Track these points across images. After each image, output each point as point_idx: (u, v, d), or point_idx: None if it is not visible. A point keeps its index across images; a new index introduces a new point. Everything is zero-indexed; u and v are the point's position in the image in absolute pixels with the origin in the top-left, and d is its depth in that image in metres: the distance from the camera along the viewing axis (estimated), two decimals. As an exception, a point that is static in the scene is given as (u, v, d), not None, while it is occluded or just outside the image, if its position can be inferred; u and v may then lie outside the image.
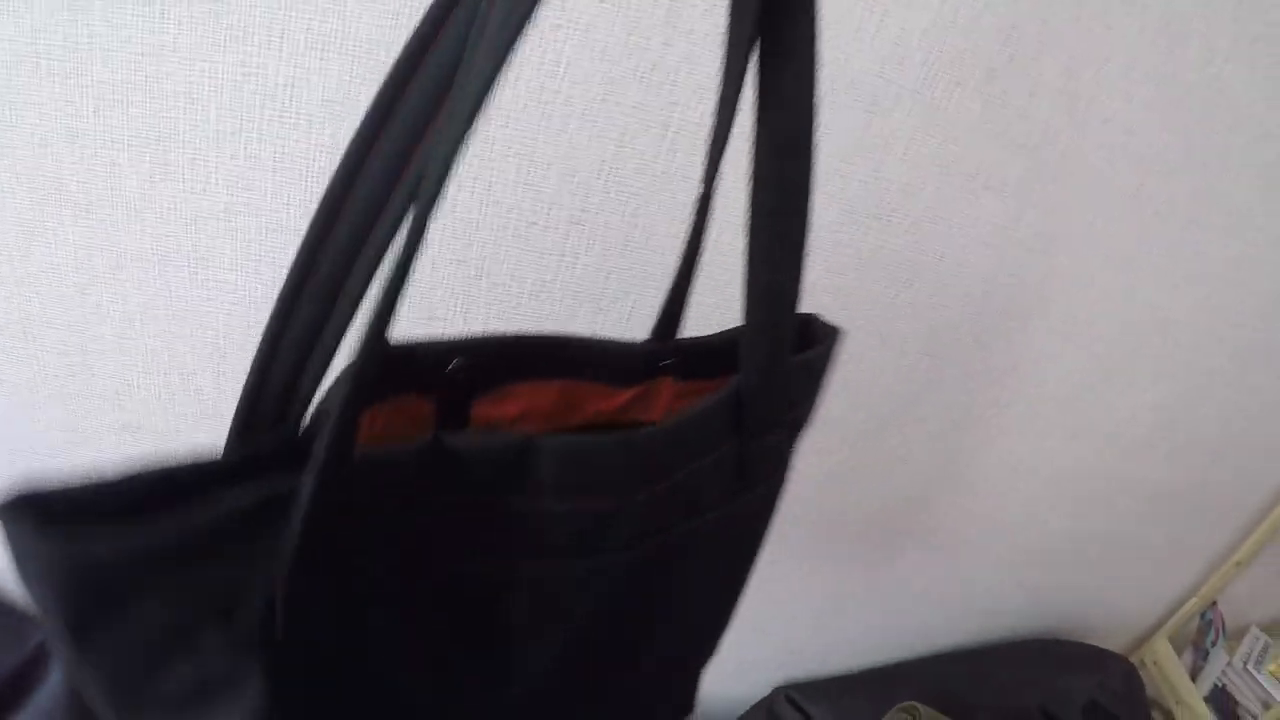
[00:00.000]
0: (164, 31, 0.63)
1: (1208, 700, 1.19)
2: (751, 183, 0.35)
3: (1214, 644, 1.22)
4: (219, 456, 0.29)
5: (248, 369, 0.30)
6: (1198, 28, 0.71)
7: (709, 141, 0.40)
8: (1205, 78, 0.73)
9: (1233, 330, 0.92)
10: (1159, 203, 0.80)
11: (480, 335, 0.42)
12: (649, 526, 0.39)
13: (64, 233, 0.72)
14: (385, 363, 0.34)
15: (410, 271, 0.26)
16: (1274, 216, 0.84)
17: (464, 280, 0.73)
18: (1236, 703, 1.20)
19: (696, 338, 0.45)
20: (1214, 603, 1.22)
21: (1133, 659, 1.24)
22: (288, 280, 0.28)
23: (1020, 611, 1.19)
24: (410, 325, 0.77)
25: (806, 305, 0.40)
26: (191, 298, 0.76)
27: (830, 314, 0.44)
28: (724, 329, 0.45)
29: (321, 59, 0.65)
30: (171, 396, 0.82)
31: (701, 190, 0.42)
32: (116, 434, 0.85)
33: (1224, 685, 1.22)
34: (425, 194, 0.26)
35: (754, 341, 0.39)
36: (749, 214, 0.36)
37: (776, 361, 0.39)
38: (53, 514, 0.28)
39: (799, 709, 1.01)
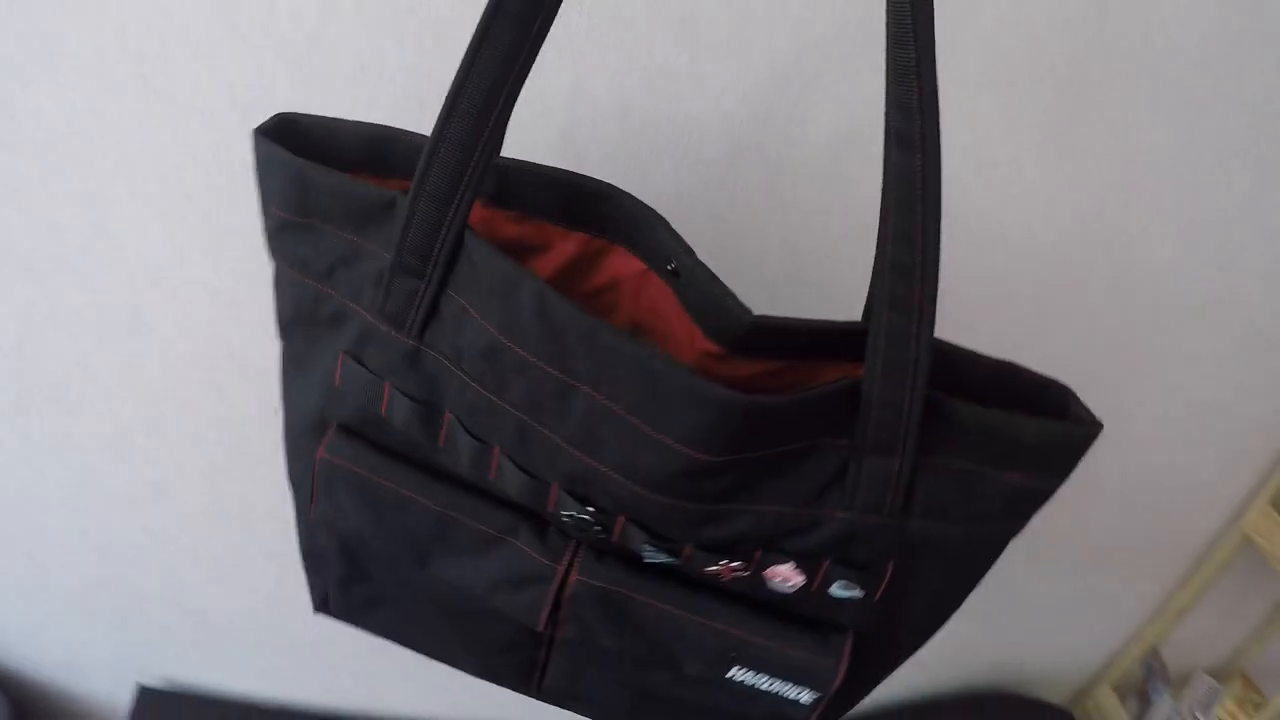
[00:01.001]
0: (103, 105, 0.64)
1: (1153, 747, 1.19)
2: (883, 178, 0.38)
3: (1157, 691, 1.23)
4: None
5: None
6: None
7: None
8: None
9: (1156, 390, 0.94)
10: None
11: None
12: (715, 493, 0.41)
13: (8, 291, 0.73)
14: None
15: None
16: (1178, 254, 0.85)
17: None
18: (1183, 749, 1.20)
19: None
20: (1155, 650, 1.22)
21: (1076, 710, 1.24)
22: None
23: (959, 665, 1.19)
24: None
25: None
26: (125, 352, 0.77)
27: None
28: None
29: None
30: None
31: None
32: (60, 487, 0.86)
33: (1170, 732, 1.22)
34: None
35: (877, 344, 0.39)
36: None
37: (899, 372, 0.39)
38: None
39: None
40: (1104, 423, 0.94)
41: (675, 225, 0.44)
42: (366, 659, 1.01)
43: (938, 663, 1.18)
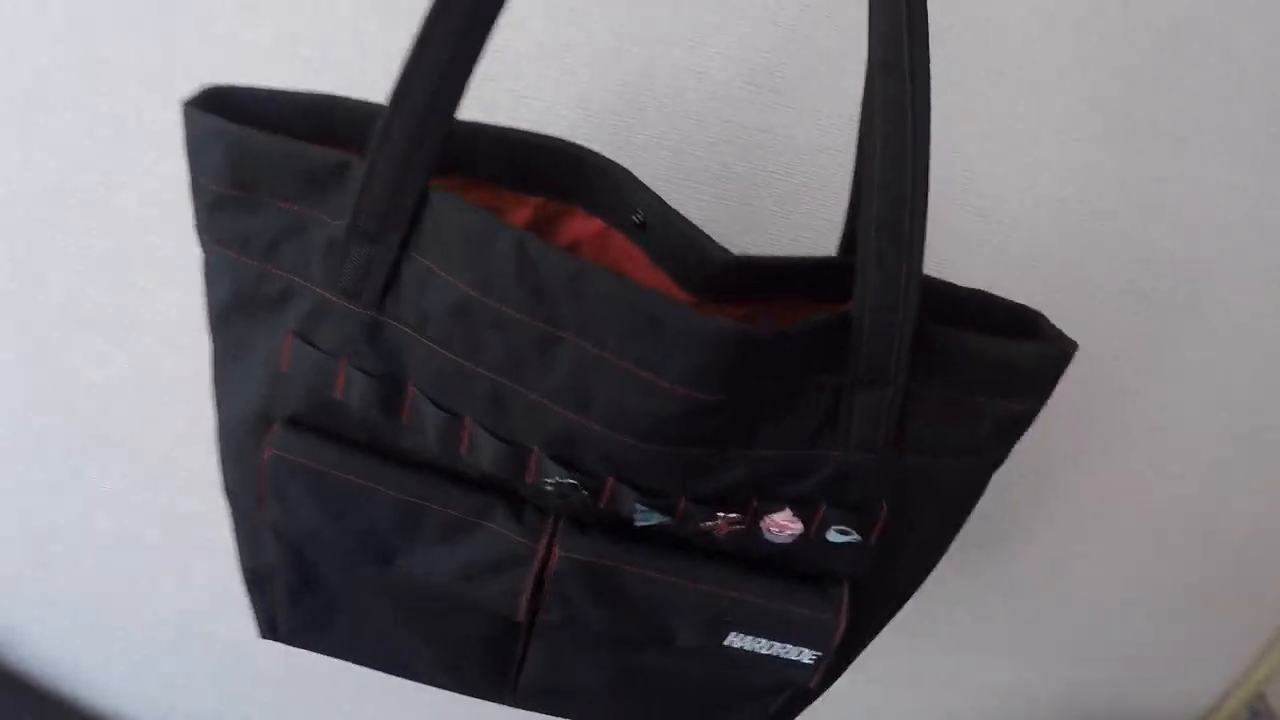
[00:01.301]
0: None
1: (1263, 798, 1.14)
2: (863, 105, 0.38)
3: (1266, 738, 1.17)
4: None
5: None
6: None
7: None
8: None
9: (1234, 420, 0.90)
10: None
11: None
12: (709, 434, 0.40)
13: (112, 354, 0.76)
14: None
15: None
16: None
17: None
18: (1294, 798, 1.14)
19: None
20: (1261, 694, 1.17)
21: (1178, 756, 1.19)
22: None
23: (1057, 713, 1.14)
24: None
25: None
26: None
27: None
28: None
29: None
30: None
31: None
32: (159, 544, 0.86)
33: (1281, 782, 1.16)
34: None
35: (867, 272, 0.38)
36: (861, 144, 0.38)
37: (890, 298, 0.38)
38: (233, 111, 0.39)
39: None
40: (1187, 472, 0.91)
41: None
42: (461, 711, 0.98)
43: (1036, 710, 1.13)
